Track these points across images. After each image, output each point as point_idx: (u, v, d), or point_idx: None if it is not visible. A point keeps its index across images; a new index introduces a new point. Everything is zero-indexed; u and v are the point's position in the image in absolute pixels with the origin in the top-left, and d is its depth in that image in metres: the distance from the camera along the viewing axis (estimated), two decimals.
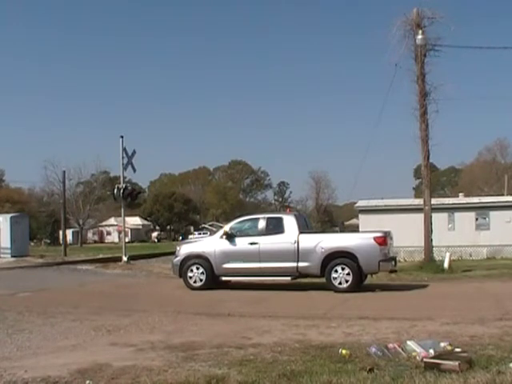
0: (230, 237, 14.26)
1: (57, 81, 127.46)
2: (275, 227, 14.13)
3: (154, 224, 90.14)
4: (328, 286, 13.38)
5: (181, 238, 66.46)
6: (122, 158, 24.75)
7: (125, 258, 24.37)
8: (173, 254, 16.01)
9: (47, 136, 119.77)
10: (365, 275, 13.85)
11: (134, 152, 25.19)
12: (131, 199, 27.69)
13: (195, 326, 8.93)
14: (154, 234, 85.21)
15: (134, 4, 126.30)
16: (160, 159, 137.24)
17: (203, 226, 77.80)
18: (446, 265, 19.64)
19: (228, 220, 27.05)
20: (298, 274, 13.79)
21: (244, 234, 14.32)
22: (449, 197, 44.75)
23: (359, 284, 13.48)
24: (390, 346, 6.52)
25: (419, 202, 22.95)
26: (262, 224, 14.34)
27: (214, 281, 14.23)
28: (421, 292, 13.69)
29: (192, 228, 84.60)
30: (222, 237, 14.41)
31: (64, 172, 41.44)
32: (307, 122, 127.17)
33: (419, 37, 19.66)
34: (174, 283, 15.03)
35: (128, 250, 26.31)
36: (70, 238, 62.60)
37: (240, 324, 9.12)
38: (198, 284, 14.21)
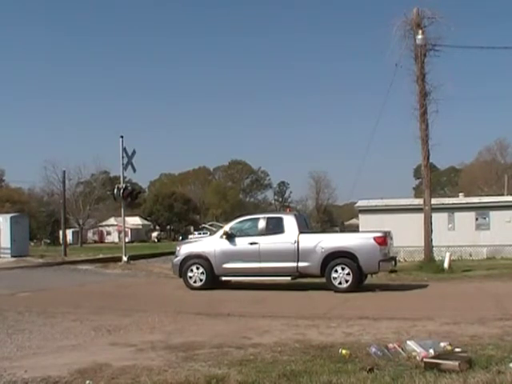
0: (230, 237, 14.26)
1: (57, 81, 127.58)
2: (275, 227, 14.14)
3: (154, 224, 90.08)
4: (328, 286, 13.39)
5: (181, 238, 66.36)
6: (122, 157, 24.78)
7: (125, 258, 24.37)
8: (173, 253, 16.02)
9: (47, 136, 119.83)
10: (365, 275, 13.86)
11: (133, 152, 25.22)
12: (131, 199, 27.72)
13: (195, 326, 8.94)
14: (154, 234, 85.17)
15: (134, 4, 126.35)
16: (160, 159, 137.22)
17: (203, 226, 77.66)
18: (445, 265, 19.64)
19: (228, 220, 27.00)
20: (298, 273, 13.80)
21: (244, 233, 14.33)
22: (449, 197, 44.70)
23: (359, 284, 13.48)
24: (390, 346, 6.53)
25: (419, 202, 22.95)
26: (262, 224, 14.35)
27: (214, 281, 14.24)
28: (421, 292, 13.69)
29: (192, 228, 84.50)
30: (221, 237, 14.42)
31: (64, 172, 41.29)
32: (307, 121, 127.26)
33: (419, 37, 19.66)
34: (174, 283, 15.04)
35: (128, 250, 26.31)
36: (70, 237, 62.48)
37: (240, 324, 9.12)
38: (198, 284, 14.22)
